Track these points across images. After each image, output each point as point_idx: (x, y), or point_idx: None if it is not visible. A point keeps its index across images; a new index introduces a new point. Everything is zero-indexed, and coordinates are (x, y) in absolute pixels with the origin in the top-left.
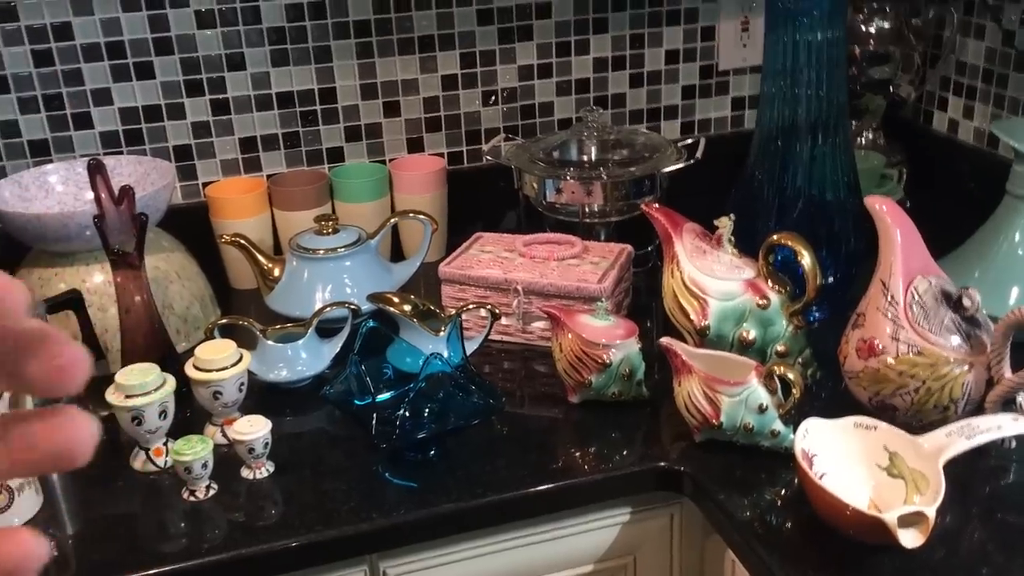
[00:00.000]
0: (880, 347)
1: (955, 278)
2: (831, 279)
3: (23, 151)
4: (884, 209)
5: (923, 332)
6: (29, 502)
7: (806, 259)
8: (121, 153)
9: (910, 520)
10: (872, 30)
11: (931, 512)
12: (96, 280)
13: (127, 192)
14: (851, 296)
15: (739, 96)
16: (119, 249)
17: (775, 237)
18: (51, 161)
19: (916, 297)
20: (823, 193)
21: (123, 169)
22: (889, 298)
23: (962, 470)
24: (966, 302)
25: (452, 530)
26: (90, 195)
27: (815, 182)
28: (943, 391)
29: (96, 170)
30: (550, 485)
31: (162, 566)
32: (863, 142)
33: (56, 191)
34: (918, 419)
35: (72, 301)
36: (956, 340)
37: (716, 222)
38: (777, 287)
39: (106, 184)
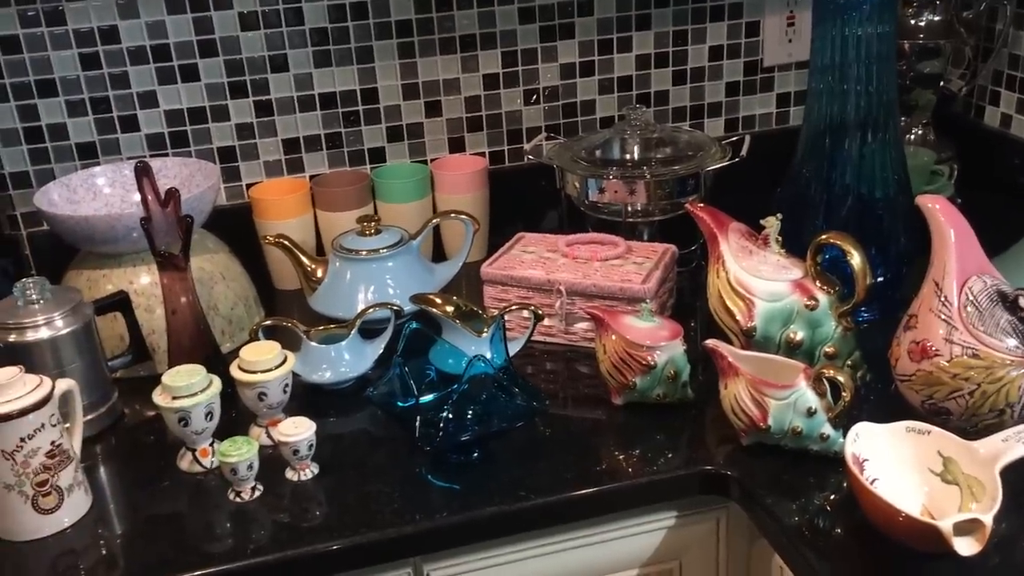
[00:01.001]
0: (933, 349)
1: (1009, 278)
2: (881, 279)
3: (71, 154)
4: (937, 208)
5: (978, 334)
6: (79, 503)
7: (855, 259)
8: (166, 155)
9: (966, 527)
10: (922, 23)
11: (988, 519)
12: (143, 281)
13: (173, 194)
14: (901, 297)
15: (784, 92)
16: (165, 251)
17: (823, 236)
18: (98, 163)
19: (970, 298)
20: (872, 191)
21: (168, 171)
22: (943, 299)
23: (1017, 476)
24: (1023, 303)
25: (495, 533)
26: (137, 197)
27: (864, 180)
28: (999, 394)
29: (143, 172)
30: (594, 488)
31: (209, 567)
32: (912, 138)
33: (104, 193)
34: (972, 423)
35: (120, 303)
36: (1012, 342)
37: (763, 221)
38: (825, 287)
39: (152, 186)
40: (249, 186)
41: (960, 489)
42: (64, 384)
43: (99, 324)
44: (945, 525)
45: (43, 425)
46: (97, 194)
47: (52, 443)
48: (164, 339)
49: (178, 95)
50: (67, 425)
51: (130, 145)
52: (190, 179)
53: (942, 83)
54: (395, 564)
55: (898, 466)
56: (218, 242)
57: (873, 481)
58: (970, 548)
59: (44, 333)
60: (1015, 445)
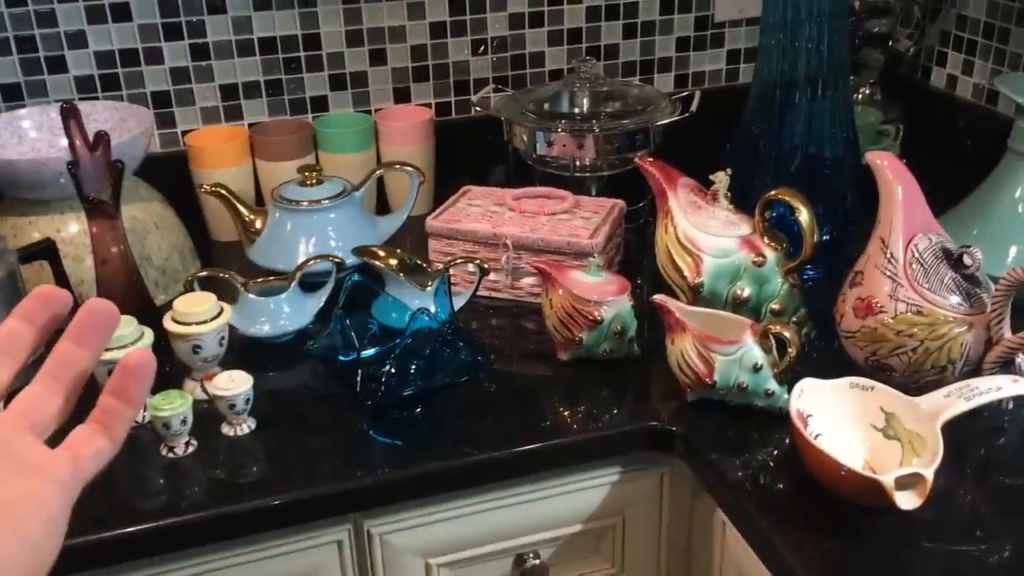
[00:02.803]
0: (878, 305)
1: (954, 236)
2: (827, 237)
3: None
4: (885, 164)
5: (922, 291)
6: None
7: (803, 216)
8: (97, 99)
9: (907, 482)
10: None
11: (929, 474)
12: (71, 230)
13: (103, 138)
14: (848, 254)
15: (735, 49)
16: (94, 197)
17: (772, 193)
18: (24, 106)
19: (916, 255)
20: (821, 149)
21: (99, 115)
22: (889, 256)
23: (957, 431)
24: (967, 260)
25: (438, 489)
26: (65, 142)
27: (813, 138)
28: (941, 351)
29: (70, 115)
30: (538, 444)
31: (142, 523)
32: (860, 98)
33: (29, 137)
34: (915, 380)
35: (46, 251)
36: (956, 299)
37: (712, 177)
38: (773, 244)
39: (80, 130)
40: (185, 133)
41: (902, 444)
42: None
43: (25, 274)
44: (887, 479)
45: None
46: (23, 138)
47: None
48: (94, 290)
49: (109, 36)
50: None
51: (58, 87)
52: (122, 124)
53: (890, 42)
54: (334, 520)
55: (841, 422)
56: (151, 190)
57: (817, 436)
58: (911, 502)
59: None
60: (956, 401)
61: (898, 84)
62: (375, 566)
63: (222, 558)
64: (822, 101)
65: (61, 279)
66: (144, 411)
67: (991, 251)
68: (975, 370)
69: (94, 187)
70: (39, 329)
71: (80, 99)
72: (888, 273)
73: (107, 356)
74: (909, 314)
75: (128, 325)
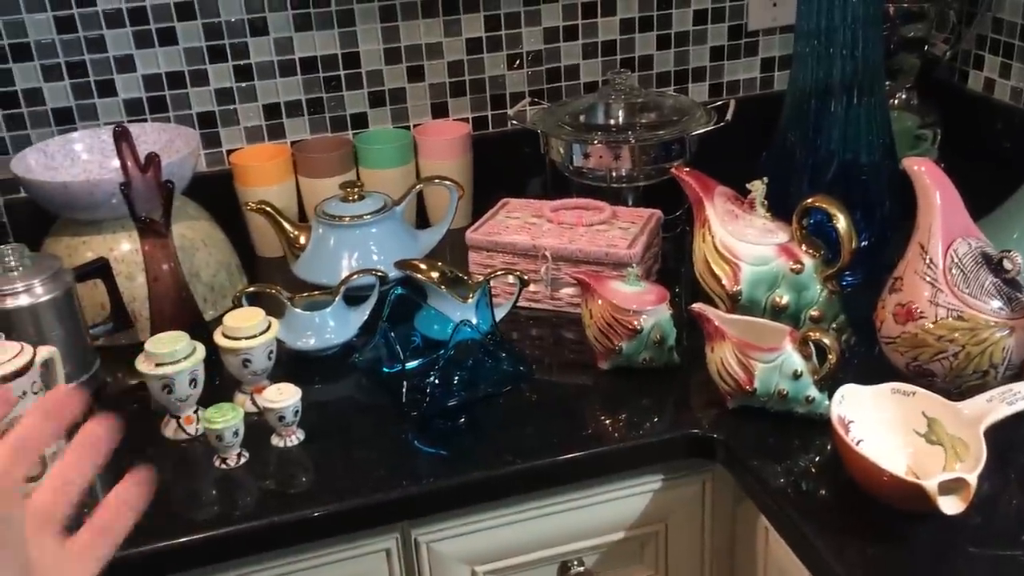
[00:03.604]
0: (918, 311)
1: (994, 241)
2: (866, 243)
3: (47, 119)
4: (923, 170)
5: (963, 296)
6: None
7: (841, 222)
8: (145, 121)
9: (950, 487)
10: None
11: (973, 479)
12: (124, 248)
13: (153, 159)
14: (886, 260)
15: (769, 57)
16: (146, 217)
17: (809, 200)
18: (76, 129)
19: (956, 260)
20: (858, 155)
21: (148, 136)
22: (928, 261)
23: (1001, 436)
24: (1007, 265)
25: (482, 498)
26: (116, 163)
27: (849, 144)
28: (983, 356)
29: (122, 137)
30: (580, 453)
31: (196, 533)
32: (896, 103)
33: (82, 159)
34: (956, 384)
35: (100, 269)
36: (996, 304)
37: (748, 185)
38: (811, 251)
39: (132, 151)
40: (230, 152)
41: (944, 449)
42: (45, 352)
43: (80, 292)
44: (930, 484)
45: (25, 393)
46: (75, 160)
47: None
48: (146, 307)
49: (156, 59)
50: None
51: (108, 111)
52: (169, 145)
53: (926, 47)
54: (382, 530)
55: (883, 427)
56: (199, 209)
57: (858, 442)
58: (954, 507)
59: (24, 300)
60: (999, 405)
61: (935, 88)
62: (423, 573)
63: (273, 567)
64: (858, 107)
65: (115, 297)
66: (198, 423)
67: None
68: (1018, 374)
69: (146, 207)
70: (57, 427)
71: (129, 121)
72: (928, 279)
73: (160, 371)
74: (950, 319)
75: (180, 340)
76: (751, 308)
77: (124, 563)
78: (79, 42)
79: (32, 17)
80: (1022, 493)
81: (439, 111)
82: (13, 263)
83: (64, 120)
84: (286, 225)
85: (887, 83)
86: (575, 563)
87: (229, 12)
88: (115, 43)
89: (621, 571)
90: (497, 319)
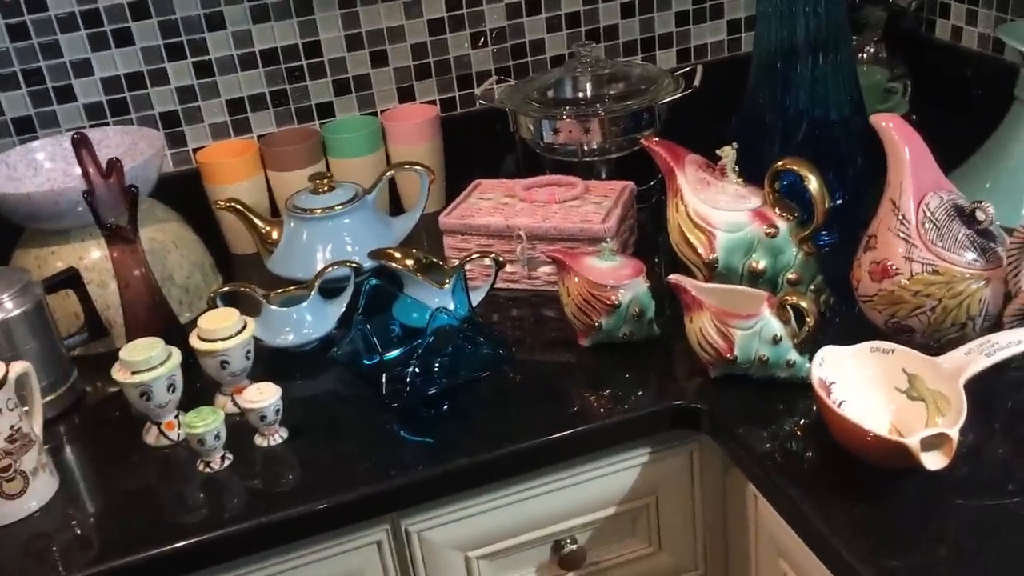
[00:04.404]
0: (894, 268)
1: (966, 191)
2: (840, 201)
3: (8, 129)
4: (891, 126)
5: (937, 250)
6: (45, 485)
7: (813, 183)
8: (107, 124)
9: (933, 442)
10: None
11: (954, 433)
12: (93, 256)
13: (115, 164)
14: (861, 217)
15: (735, 19)
16: (112, 223)
17: (780, 163)
18: (37, 138)
19: (928, 214)
20: (827, 113)
21: (110, 141)
22: (900, 217)
23: (982, 387)
24: (980, 216)
25: (471, 484)
26: (79, 170)
27: (818, 102)
28: (960, 308)
29: (81, 144)
30: (567, 432)
31: (186, 539)
32: (864, 57)
33: (45, 168)
34: (936, 339)
35: (70, 280)
36: (971, 255)
37: (719, 152)
38: (785, 214)
39: (93, 158)
40: (196, 150)
41: (926, 404)
42: (19, 367)
43: (51, 303)
44: (912, 441)
45: (0, 411)
46: (38, 170)
47: (11, 427)
48: (120, 314)
49: (113, 61)
50: (26, 408)
51: (68, 117)
52: (133, 147)
53: None
54: (372, 521)
55: (864, 386)
56: (168, 210)
57: (841, 403)
58: (938, 462)
59: None
60: (978, 357)
61: (902, 40)
62: (416, 563)
63: (266, 567)
64: (824, 65)
65: (87, 305)
66: (179, 428)
67: (1004, 203)
68: (995, 324)
69: (111, 213)
70: None
71: (91, 126)
72: (901, 235)
73: (137, 379)
74: (925, 274)
75: (155, 347)
76: (728, 275)
77: (118, 573)
78: (33, 49)
79: None
80: (1006, 442)
81: (406, 95)
82: None
83: (25, 129)
84: (257, 222)
85: (854, 37)
86: (568, 541)
87: (184, 8)
88: (70, 47)
89: (615, 546)
90: (475, 303)
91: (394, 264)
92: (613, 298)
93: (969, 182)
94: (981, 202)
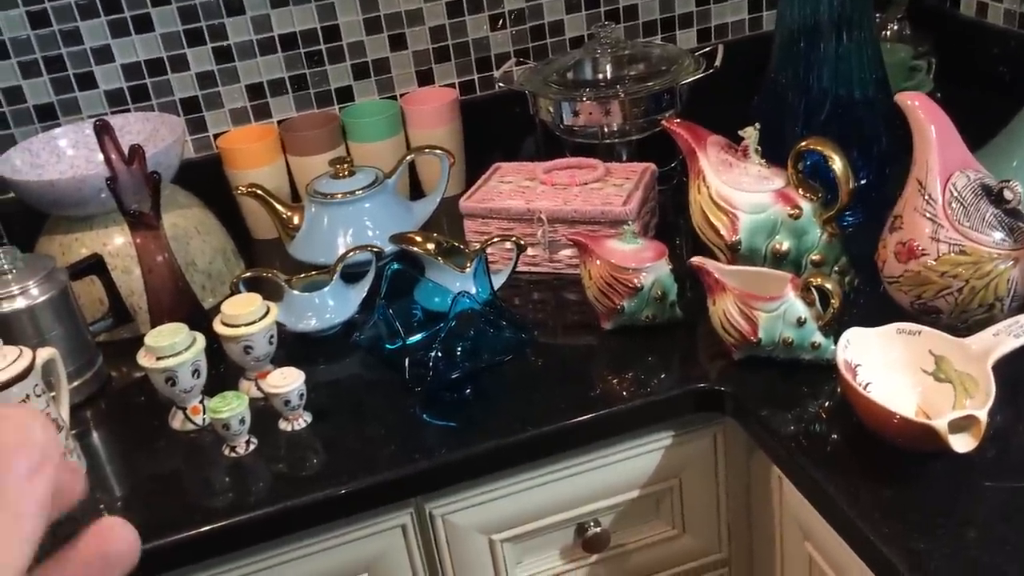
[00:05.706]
0: (920, 248)
1: (993, 170)
2: (864, 181)
3: (30, 117)
4: (917, 105)
5: (964, 230)
6: None
7: (837, 163)
8: (128, 111)
9: (961, 424)
10: None
11: (983, 415)
12: (117, 242)
13: (137, 151)
14: (886, 198)
15: None
16: (135, 210)
17: (803, 143)
18: (59, 125)
19: (955, 194)
20: (851, 92)
21: (132, 127)
22: (927, 197)
23: (1011, 368)
24: (1007, 195)
25: (495, 467)
26: (101, 157)
27: (842, 82)
28: (988, 289)
29: (103, 131)
30: (590, 415)
31: (212, 523)
32: (888, 34)
33: (67, 155)
34: (963, 320)
35: (94, 266)
36: (999, 235)
37: (741, 132)
38: (808, 195)
39: (115, 145)
40: (216, 136)
41: (954, 386)
42: (45, 353)
43: (76, 289)
44: (940, 424)
45: (27, 396)
46: (61, 156)
47: None
48: (144, 299)
49: (133, 48)
50: (52, 394)
51: (90, 103)
52: (154, 134)
53: None
54: (397, 506)
55: (890, 368)
56: (190, 196)
57: (866, 386)
58: (966, 444)
59: (20, 303)
60: (1006, 339)
61: (927, 17)
62: (440, 546)
63: (291, 550)
64: (848, 43)
65: (112, 291)
66: (204, 413)
67: None
68: (1023, 305)
69: (134, 199)
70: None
71: (112, 112)
72: (928, 215)
73: (162, 364)
74: (952, 254)
75: (179, 332)
76: (751, 257)
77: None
78: (55, 36)
79: (5, 14)
80: None
81: (425, 78)
82: (6, 266)
83: (47, 116)
84: (278, 207)
85: (877, 15)
86: (592, 524)
87: None
88: (91, 34)
89: (639, 528)
90: (496, 286)
91: (415, 248)
92: (635, 281)
93: (995, 161)
94: (1009, 181)
